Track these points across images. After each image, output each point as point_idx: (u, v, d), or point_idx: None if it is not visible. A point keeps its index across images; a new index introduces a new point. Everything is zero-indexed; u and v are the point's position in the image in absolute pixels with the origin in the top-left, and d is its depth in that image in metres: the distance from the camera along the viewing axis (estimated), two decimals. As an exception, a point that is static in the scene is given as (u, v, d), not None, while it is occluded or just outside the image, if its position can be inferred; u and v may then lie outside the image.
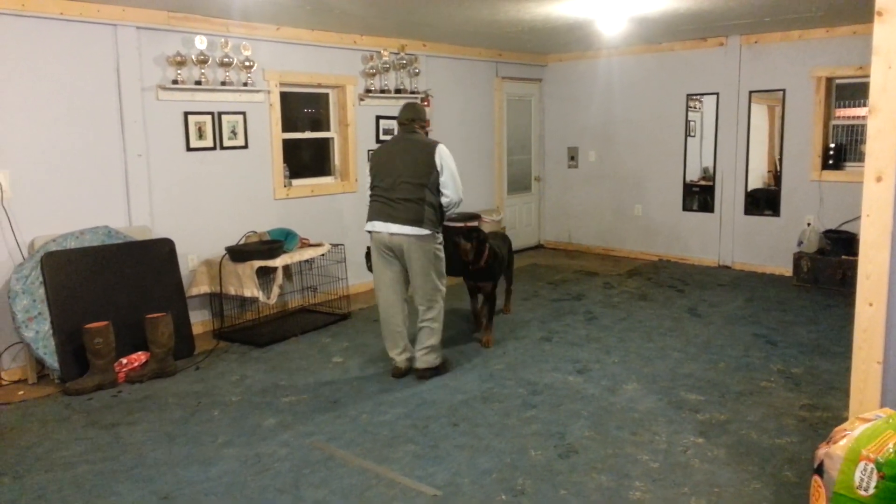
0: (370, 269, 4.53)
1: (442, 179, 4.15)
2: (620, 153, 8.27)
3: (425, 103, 7.13)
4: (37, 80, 4.54)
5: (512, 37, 6.93)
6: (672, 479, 3.10)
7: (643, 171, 8.10)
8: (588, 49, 8.15)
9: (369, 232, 4.26)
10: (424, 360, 4.35)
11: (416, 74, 7.01)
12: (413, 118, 4.32)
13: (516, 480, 3.11)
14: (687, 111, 7.70)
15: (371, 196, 4.29)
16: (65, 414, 3.93)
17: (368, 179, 4.34)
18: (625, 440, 3.49)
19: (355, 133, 6.61)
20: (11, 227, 4.42)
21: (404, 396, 4.11)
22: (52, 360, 4.28)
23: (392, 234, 4.15)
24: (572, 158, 8.70)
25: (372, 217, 4.24)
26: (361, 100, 6.62)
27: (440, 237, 4.26)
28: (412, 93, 7.00)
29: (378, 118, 6.80)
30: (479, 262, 4.86)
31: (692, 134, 7.75)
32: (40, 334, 4.28)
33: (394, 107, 6.92)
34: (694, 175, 7.80)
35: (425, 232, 4.12)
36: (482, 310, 5.16)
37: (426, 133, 4.47)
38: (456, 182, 4.20)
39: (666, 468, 3.21)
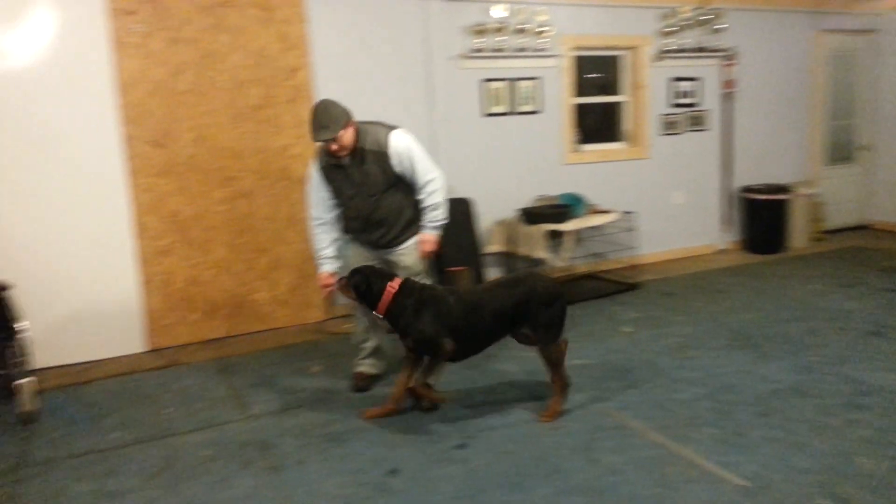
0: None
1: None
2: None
3: (730, 63, 6.51)
4: (362, 52, 5.04)
5: (845, -19, 5.95)
6: None
7: None
8: (946, -11, 6.69)
9: None
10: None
11: (720, 31, 6.42)
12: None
13: (839, 486, 2.71)
14: None
15: None
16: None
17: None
18: None
19: (648, 96, 6.30)
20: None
21: (702, 376, 3.83)
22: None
23: None
24: (915, 124, 7.27)
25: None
26: (657, 61, 6.27)
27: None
28: (714, 51, 6.44)
29: (674, 80, 6.38)
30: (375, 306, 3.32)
31: None
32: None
33: (692, 67, 6.46)
34: None
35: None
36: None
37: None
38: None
39: None
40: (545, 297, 3.34)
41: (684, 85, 6.45)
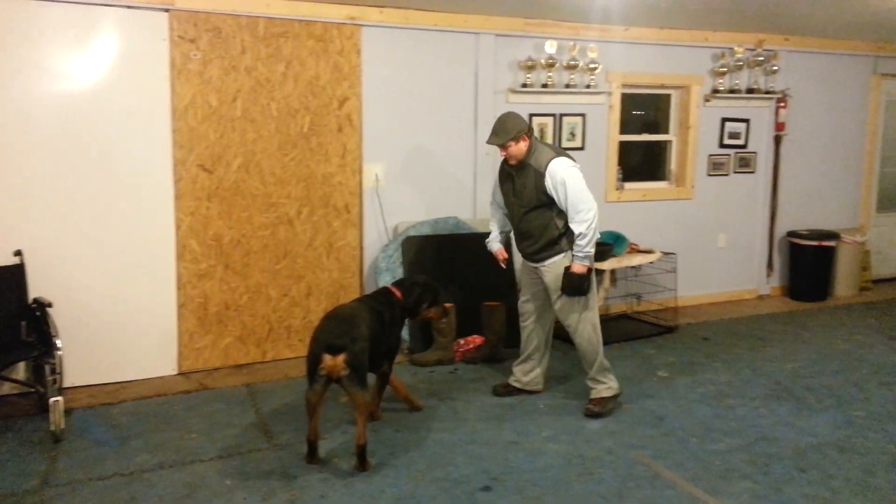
0: None
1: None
2: None
3: (782, 105, 6.41)
4: (410, 84, 5.11)
5: (903, 25, 5.83)
6: None
7: None
8: None
9: None
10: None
11: (773, 72, 6.34)
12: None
13: (886, 555, 2.58)
14: None
15: None
16: (410, 381, 4.34)
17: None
18: None
19: (696, 136, 6.23)
20: (382, 212, 5.08)
21: (739, 427, 3.73)
22: (404, 332, 4.79)
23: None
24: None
25: None
26: (707, 101, 6.21)
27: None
28: (767, 92, 6.36)
29: (724, 120, 6.31)
30: None
31: None
32: (396, 308, 4.83)
33: (744, 108, 6.38)
34: None
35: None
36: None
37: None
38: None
39: None
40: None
41: (733, 126, 6.37)
